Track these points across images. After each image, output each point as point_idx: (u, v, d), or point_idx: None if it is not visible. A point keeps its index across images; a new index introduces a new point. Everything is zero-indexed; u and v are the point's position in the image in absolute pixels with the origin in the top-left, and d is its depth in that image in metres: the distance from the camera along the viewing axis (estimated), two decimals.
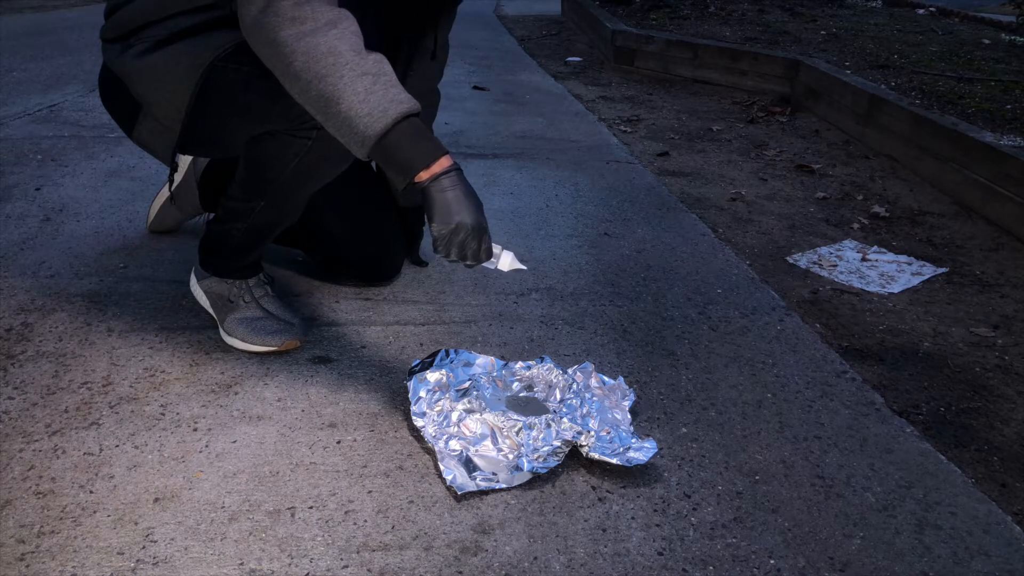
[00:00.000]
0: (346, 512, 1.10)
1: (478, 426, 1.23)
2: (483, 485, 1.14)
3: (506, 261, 1.21)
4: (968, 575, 1.04)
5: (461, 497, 1.13)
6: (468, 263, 1.18)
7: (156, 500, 1.10)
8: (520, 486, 1.15)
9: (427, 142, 1.13)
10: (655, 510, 1.13)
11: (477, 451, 1.20)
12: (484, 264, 1.20)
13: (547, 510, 1.12)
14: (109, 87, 1.42)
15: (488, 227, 1.18)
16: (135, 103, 1.37)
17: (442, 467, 1.16)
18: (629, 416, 1.30)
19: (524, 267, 1.24)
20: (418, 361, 1.36)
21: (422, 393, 1.29)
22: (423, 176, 1.12)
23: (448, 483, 1.14)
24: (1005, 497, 1.24)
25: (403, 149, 1.11)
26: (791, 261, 2.08)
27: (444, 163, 1.13)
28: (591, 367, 1.37)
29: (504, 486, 1.14)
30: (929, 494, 1.18)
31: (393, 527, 1.07)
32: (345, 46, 1.11)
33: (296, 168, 1.33)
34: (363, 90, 1.09)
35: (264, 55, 1.15)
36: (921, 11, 5.78)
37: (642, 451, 1.19)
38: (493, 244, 1.20)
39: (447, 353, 1.38)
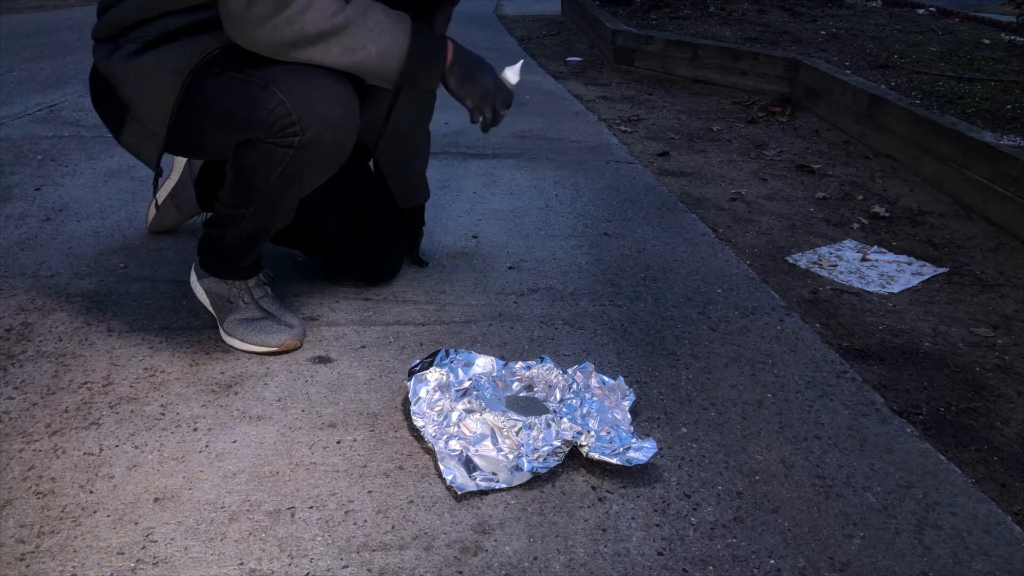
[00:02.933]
0: (346, 512, 1.10)
1: (478, 426, 1.23)
2: (483, 485, 1.14)
3: (512, 78, 1.40)
4: (968, 575, 1.04)
5: (461, 497, 1.13)
6: (503, 112, 1.39)
7: (156, 500, 1.10)
8: (520, 486, 1.15)
9: (432, 42, 1.31)
10: (655, 510, 1.13)
11: (477, 451, 1.20)
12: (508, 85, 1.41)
13: (547, 510, 1.12)
14: (99, 89, 1.41)
15: (497, 75, 1.39)
16: (123, 105, 1.36)
17: (442, 467, 1.16)
18: (629, 416, 1.30)
19: (519, 75, 1.42)
20: (418, 361, 1.36)
21: (422, 393, 1.29)
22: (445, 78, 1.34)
23: (448, 483, 1.14)
24: (1005, 497, 1.24)
25: (423, 62, 1.30)
26: (791, 261, 2.08)
27: (450, 54, 1.32)
28: (591, 367, 1.37)
29: (504, 486, 1.14)
30: (929, 494, 1.18)
31: (393, 527, 1.07)
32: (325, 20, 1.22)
33: (281, 176, 1.33)
34: (372, 42, 1.25)
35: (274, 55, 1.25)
36: (921, 11, 5.78)
37: (642, 451, 1.19)
38: (502, 76, 1.40)
39: (447, 353, 1.38)
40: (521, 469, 1.16)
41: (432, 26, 1.59)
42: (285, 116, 1.25)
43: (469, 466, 1.17)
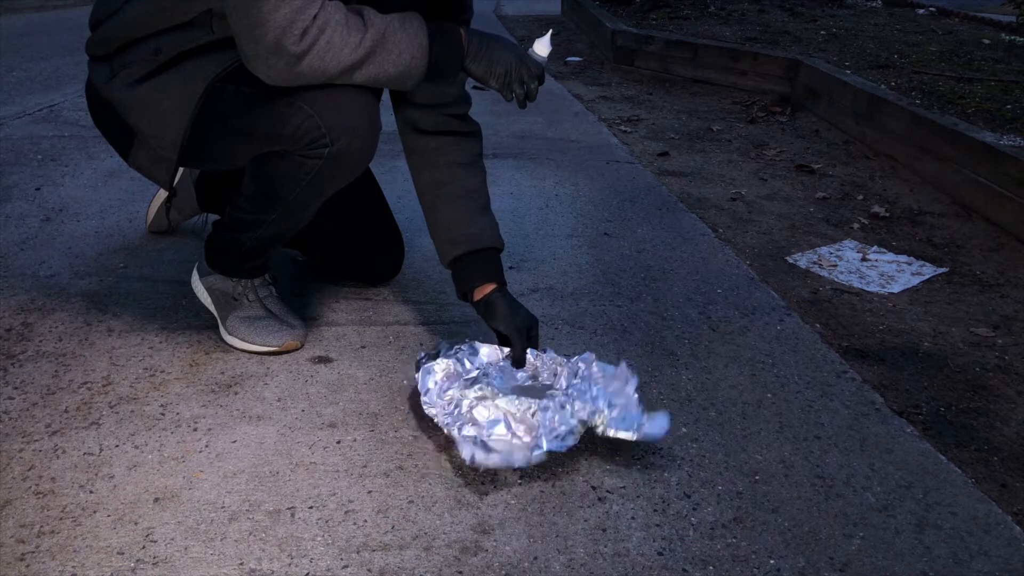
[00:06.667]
0: (346, 512, 1.10)
1: (490, 412, 1.23)
2: (501, 464, 1.14)
3: (542, 50, 1.32)
4: (968, 575, 1.04)
5: (472, 480, 1.13)
6: (535, 85, 1.31)
7: (156, 500, 1.10)
8: (520, 486, 1.15)
9: (448, 41, 1.26)
10: (655, 510, 1.13)
11: (491, 436, 1.20)
12: (537, 60, 1.32)
13: (547, 510, 1.12)
14: (99, 109, 1.40)
15: (518, 49, 1.32)
16: (129, 129, 1.35)
17: (460, 448, 1.16)
18: (636, 396, 1.28)
19: (550, 46, 1.34)
20: (423, 354, 1.36)
21: (430, 384, 1.28)
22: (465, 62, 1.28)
23: (466, 459, 1.13)
24: (1005, 497, 1.24)
25: (443, 64, 1.27)
26: (791, 261, 2.08)
27: (464, 38, 1.27)
28: (592, 356, 1.36)
29: (523, 465, 1.15)
30: (929, 494, 1.18)
31: (393, 527, 1.08)
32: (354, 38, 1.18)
33: (308, 185, 1.31)
34: (392, 65, 1.22)
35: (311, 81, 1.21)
36: (921, 11, 5.78)
37: (655, 424, 1.20)
38: (530, 52, 1.32)
39: (450, 345, 1.38)
40: (541, 448, 1.16)
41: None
42: (314, 130, 1.23)
43: (485, 449, 1.17)
